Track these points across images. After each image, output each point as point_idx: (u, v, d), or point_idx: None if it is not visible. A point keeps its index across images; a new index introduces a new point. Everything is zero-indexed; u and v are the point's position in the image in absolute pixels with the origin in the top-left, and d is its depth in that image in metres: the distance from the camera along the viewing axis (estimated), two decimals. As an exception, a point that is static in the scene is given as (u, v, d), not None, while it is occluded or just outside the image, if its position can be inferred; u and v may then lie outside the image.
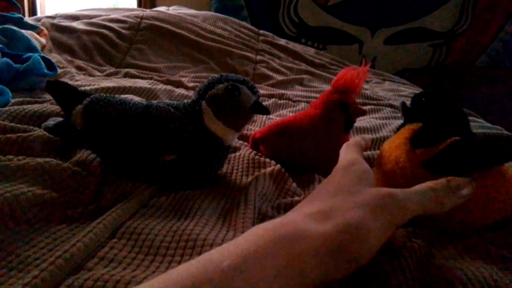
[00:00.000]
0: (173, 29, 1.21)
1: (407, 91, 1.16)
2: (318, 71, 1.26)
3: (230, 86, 0.40)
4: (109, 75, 0.94)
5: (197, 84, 0.95)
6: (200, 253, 0.29)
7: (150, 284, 0.19)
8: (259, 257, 0.20)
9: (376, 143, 0.62)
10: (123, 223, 0.34)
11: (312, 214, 0.24)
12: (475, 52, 2.06)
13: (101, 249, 0.30)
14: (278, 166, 0.46)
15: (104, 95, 0.42)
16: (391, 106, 0.92)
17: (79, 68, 0.95)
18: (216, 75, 0.43)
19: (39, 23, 1.08)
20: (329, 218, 0.23)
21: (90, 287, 0.25)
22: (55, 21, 1.15)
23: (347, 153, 0.33)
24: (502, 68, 2.05)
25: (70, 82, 0.75)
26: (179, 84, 0.92)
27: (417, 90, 1.22)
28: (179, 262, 0.28)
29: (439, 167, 0.33)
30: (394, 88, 1.19)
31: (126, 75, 0.95)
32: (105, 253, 0.29)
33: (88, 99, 0.41)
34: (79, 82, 0.78)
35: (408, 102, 0.42)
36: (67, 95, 0.44)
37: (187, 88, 0.91)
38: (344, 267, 0.21)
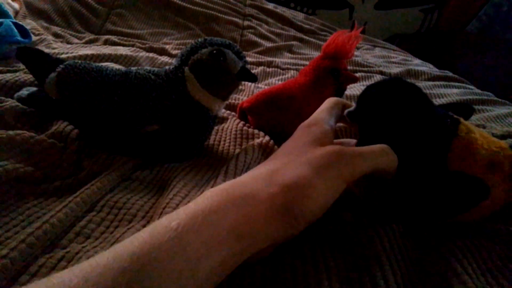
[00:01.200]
0: (156, -8, 1.15)
1: (397, 57, 1.14)
2: (307, 37, 1.22)
3: (214, 51, 0.37)
4: (88, 42, 0.89)
5: (182, 51, 0.91)
6: None
7: (104, 255, 0.17)
8: (209, 215, 0.20)
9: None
10: (103, 196, 0.32)
11: (261, 175, 0.24)
12: (466, 17, 2.02)
13: (78, 224, 0.28)
14: (267, 137, 0.44)
15: (79, 61, 0.39)
16: (381, 73, 0.90)
17: (56, 35, 0.89)
18: (199, 39, 0.40)
19: (11, -14, 1.01)
20: (276, 179, 0.23)
21: (64, 267, 0.23)
22: (28, -16, 1.08)
23: (318, 112, 0.33)
24: (494, 33, 2.03)
25: (46, 50, 0.71)
26: (162, 52, 0.88)
27: (407, 56, 1.20)
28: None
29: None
30: (385, 55, 1.16)
31: (106, 42, 0.90)
32: (82, 228, 0.28)
33: (61, 66, 0.38)
34: (56, 50, 0.73)
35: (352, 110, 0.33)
36: (39, 62, 0.40)
37: (171, 55, 0.87)
38: (292, 224, 0.22)
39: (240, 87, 0.72)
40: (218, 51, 0.38)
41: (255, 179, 0.23)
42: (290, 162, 0.25)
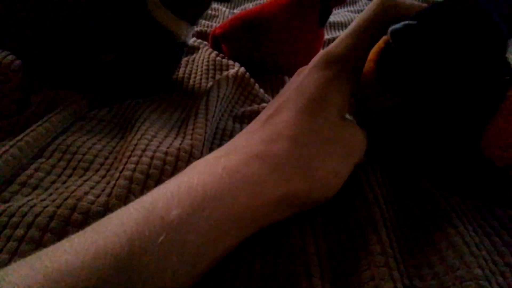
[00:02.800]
0: None
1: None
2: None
3: None
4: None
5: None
6: (146, 172, 0.24)
7: (77, 250, 0.14)
8: (216, 204, 0.16)
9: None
10: (54, 139, 0.27)
11: (283, 150, 0.20)
12: None
13: (23, 173, 0.24)
14: (242, 68, 0.40)
15: None
16: (367, -3, 0.83)
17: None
18: None
19: None
20: (307, 166, 0.20)
21: (4, 224, 0.19)
22: None
23: (344, 36, 0.24)
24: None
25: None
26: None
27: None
28: (122, 188, 0.23)
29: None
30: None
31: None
32: (28, 178, 0.24)
33: None
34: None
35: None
36: None
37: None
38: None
39: (212, 12, 0.65)
40: None
41: (273, 156, 0.19)
42: (316, 135, 0.21)
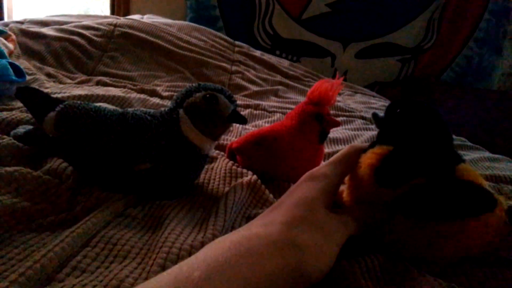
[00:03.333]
0: (148, 37, 1.20)
1: (377, 103, 1.20)
2: (292, 83, 1.28)
3: (208, 95, 0.40)
4: (81, 82, 0.92)
5: (172, 93, 0.94)
6: (175, 260, 0.29)
7: None
8: (226, 269, 0.22)
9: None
10: (98, 232, 0.33)
11: (276, 230, 0.26)
12: (441, 67, 2.16)
13: (74, 259, 0.29)
14: (255, 176, 0.46)
15: (78, 102, 0.42)
16: (362, 117, 0.95)
17: (49, 75, 0.92)
18: (194, 84, 0.43)
19: (7, 28, 1.04)
20: (289, 238, 0.26)
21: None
22: (23, 26, 1.12)
23: (327, 164, 0.34)
24: (467, 83, 2.17)
25: (40, 89, 0.73)
26: (153, 93, 0.91)
27: (386, 102, 1.27)
28: (156, 272, 0.28)
29: (402, 210, 0.31)
30: (365, 101, 1.23)
31: (99, 83, 0.93)
32: (78, 263, 0.29)
33: (61, 105, 0.40)
34: (49, 90, 0.75)
35: (380, 113, 0.38)
36: (38, 101, 0.42)
37: (161, 97, 0.90)
38: (300, 283, 0.25)
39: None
40: (211, 95, 0.41)
41: (269, 235, 0.25)
42: (303, 221, 0.27)
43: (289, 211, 0.28)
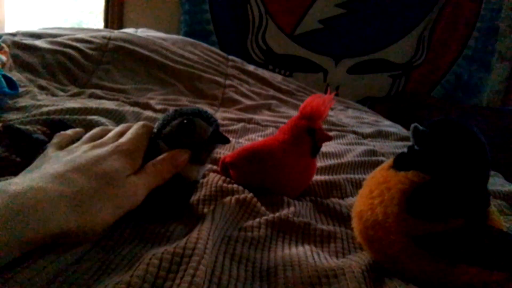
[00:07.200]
0: (142, 51, 1.21)
1: (369, 118, 1.22)
2: (285, 97, 1.30)
3: (184, 121, 0.38)
4: (73, 95, 0.92)
5: (166, 106, 0.94)
6: (155, 273, 0.27)
7: None
8: None
9: (341, 168, 0.65)
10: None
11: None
12: (431, 84, 2.20)
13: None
14: (246, 193, 0.46)
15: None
16: (354, 132, 0.96)
17: (41, 88, 0.92)
18: (170, 111, 0.41)
19: None
20: None
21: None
22: (16, 38, 1.11)
23: None
24: (456, 99, 2.20)
25: (31, 102, 0.73)
26: (146, 106, 0.91)
27: (378, 118, 1.28)
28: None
29: (431, 248, 0.28)
30: (357, 116, 1.24)
31: (91, 96, 0.93)
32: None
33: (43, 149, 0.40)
34: (41, 102, 0.75)
35: (421, 127, 0.32)
36: (21, 141, 0.43)
37: (155, 110, 0.90)
38: None
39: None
40: (188, 120, 0.38)
41: None
42: None
43: None
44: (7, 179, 0.37)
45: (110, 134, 0.39)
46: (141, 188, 0.35)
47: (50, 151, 0.36)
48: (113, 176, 0.33)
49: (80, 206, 0.29)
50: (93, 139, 0.38)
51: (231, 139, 0.75)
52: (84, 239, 0.30)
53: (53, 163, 0.32)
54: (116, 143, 0.36)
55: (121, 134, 0.39)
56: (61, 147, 0.38)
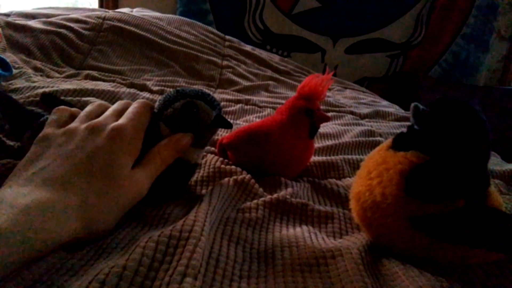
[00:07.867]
0: (138, 31, 1.19)
1: (366, 99, 1.21)
2: (283, 78, 1.28)
3: (187, 104, 0.37)
4: (69, 76, 0.91)
5: (162, 88, 0.93)
6: (152, 256, 0.27)
7: None
8: None
9: (338, 149, 0.65)
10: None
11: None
12: (429, 63, 2.18)
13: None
14: (244, 174, 0.46)
15: None
16: (352, 113, 0.96)
17: (36, 69, 0.90)
18: (171, 92, 0.39)
19: (-8, 20, 1.02)
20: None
21: None
22: (9, 19, 1.09)
23: None
24: (454, 78, 2.19)
25: (26, 84, 0.72)
26: (143, 88, 0.90)
27: (376, 98, 1.28)
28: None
29: (430, 230, 0.28)
30: (355, 96, 1.23)
31: (87, 77, 0.91)
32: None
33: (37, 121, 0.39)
34: (36, 84, 0.74)
35: (421, 106, 0.31)
36: (16, 114, 0.42)
37: (151, 91, 0.89)
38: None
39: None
40: (191, 103, 0.37)
41: None
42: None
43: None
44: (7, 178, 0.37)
45: (108, 113, 0.37)
46: (146, 183, 0.35)
47: (49, 130, 0.34)
48: (116, 174, 0.32)
49: (87, 214, 0.29)
50: (90, 117, 0.36)
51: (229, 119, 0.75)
52: (90, 241, 0.30)
53: (54, 158, 0.31)
54: (115, 126, 0.34)
55: (119, 112, 0.37)
56: (60, 125, 0.35)
